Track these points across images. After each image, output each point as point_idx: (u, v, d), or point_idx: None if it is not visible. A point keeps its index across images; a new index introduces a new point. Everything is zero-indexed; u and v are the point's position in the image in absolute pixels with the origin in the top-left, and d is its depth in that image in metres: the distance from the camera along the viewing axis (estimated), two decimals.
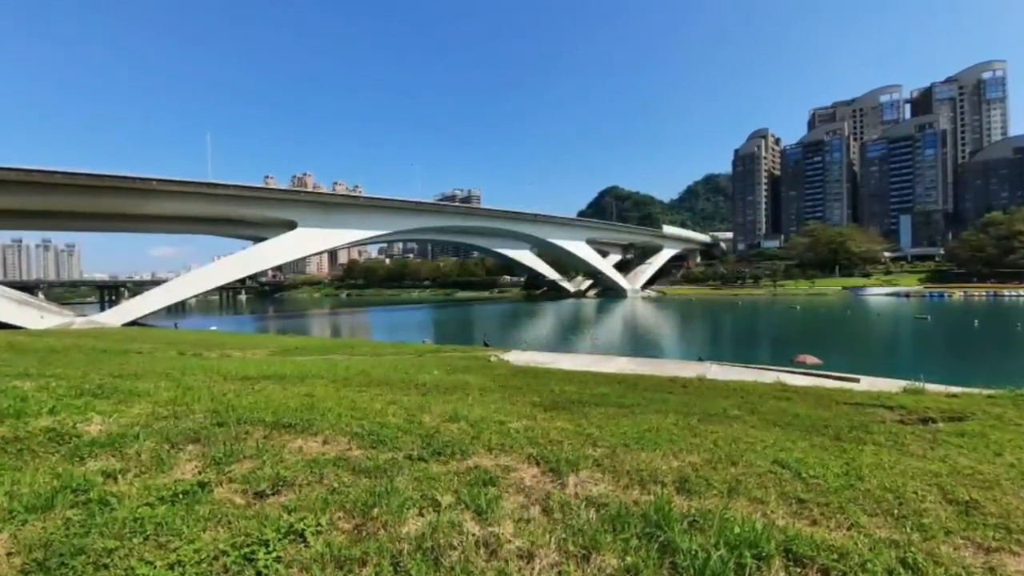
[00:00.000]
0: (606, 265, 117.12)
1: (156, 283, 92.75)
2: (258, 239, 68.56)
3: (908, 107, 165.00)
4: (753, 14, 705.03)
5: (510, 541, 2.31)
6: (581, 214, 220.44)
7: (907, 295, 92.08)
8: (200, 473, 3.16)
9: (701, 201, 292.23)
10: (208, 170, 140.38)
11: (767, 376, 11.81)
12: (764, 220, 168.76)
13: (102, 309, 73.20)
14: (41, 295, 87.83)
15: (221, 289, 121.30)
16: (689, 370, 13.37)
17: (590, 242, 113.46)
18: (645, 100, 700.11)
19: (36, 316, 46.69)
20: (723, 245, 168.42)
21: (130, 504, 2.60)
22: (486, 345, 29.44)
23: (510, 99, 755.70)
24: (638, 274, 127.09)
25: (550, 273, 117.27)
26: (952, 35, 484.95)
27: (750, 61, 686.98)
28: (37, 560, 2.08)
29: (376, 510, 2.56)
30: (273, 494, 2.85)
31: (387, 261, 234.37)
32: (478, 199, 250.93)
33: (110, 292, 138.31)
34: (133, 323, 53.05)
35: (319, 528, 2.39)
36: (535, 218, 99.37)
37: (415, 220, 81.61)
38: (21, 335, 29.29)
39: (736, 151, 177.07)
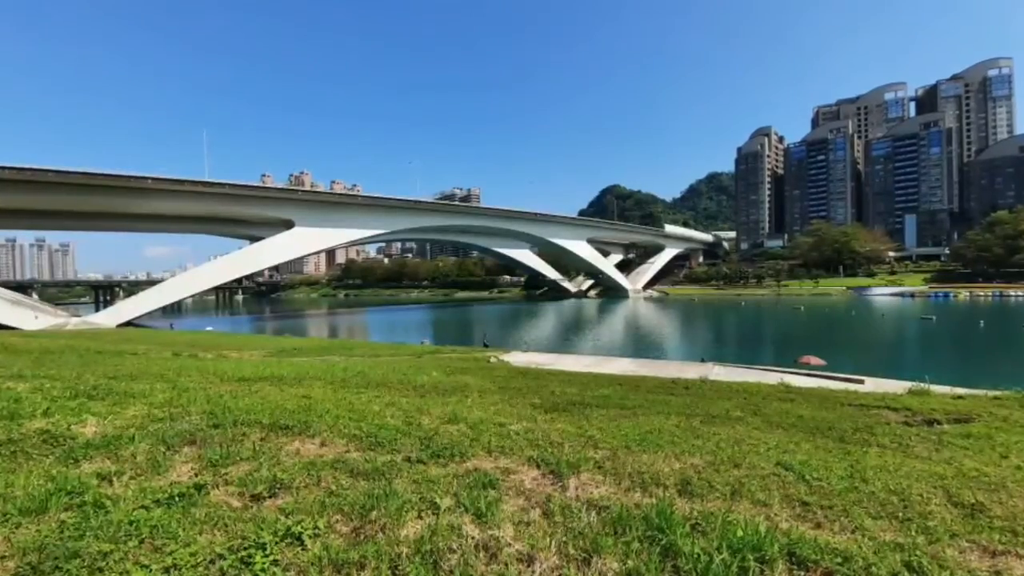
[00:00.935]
0: (607, 265, 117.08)
1: (151, 283, 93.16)
2: (255, 239, 68.73)
3: (913, 105, 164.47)
4: (755, 10, 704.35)
5: (510, 544, 2.29)
6: (582, 213, 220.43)
7: (912, 295, 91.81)
8: (196, 475, 3.14)
9: (704, 200, 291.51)
10: (205, 169, 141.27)
11: (770, 377, 11.78)
12: (767, 219, 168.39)
13: (97, 309, 73.67)
14: (35, 295, 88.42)
15: (217, 289, 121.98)
16: (691, 371, 13.35)
17: (591, 241, 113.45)
18: (647, 98, 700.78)
19: (30, 316, 47.05)
20: (726, 244, 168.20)
21: (125, 507, 2.58)
22: (485, 346, 29.47)
23: (510, 97, 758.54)
24: (640, 274, 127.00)
25: (551, 273, 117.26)
26: (958, 32, 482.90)
27: (752, 58, 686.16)
28: (31, 563, 2.05)
29: (374, 513, 2.54)
30: (270, 497, 2.83)
31: (385, 261, 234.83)
32: (477, 198, 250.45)
33: (105, 292, 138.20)
34: (128, 324, 53.28)
35: (317, 531, 2.37)
36: (535, 217, 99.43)
37: (414, 219, 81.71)
38: (15, 336, 29.43)
39: (739, 149, 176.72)
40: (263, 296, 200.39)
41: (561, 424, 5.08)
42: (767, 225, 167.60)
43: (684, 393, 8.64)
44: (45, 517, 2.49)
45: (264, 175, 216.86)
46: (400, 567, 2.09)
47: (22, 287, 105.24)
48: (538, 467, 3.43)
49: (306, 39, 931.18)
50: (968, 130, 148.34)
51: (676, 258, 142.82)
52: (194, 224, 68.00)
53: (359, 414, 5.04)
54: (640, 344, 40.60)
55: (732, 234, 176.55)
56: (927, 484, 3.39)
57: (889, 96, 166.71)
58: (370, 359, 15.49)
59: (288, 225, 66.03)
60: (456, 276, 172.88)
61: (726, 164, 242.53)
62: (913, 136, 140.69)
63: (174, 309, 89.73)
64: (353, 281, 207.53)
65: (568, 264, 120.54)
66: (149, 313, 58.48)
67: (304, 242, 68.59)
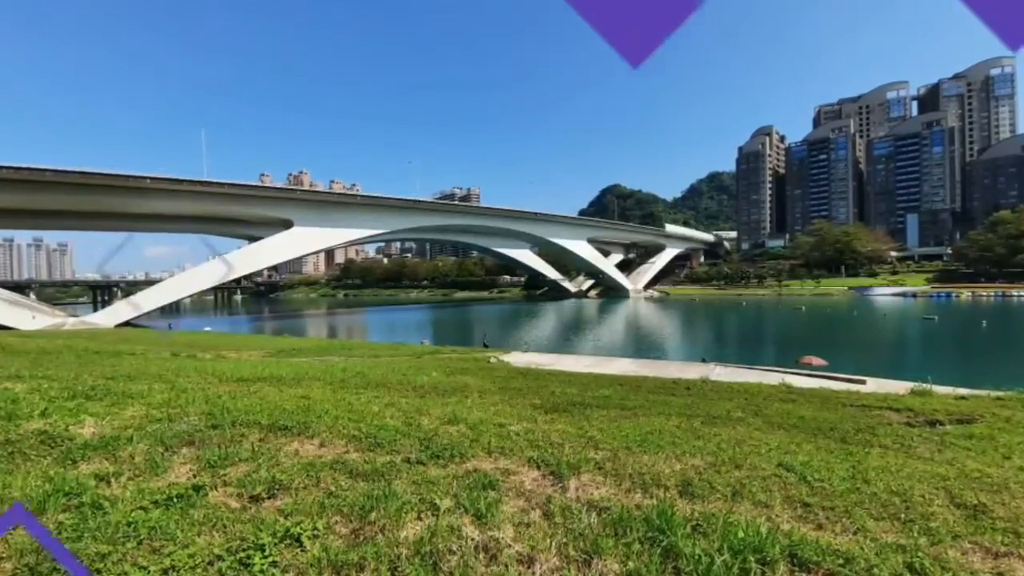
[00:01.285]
0: (608, 265, 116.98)
1: (150, 283, 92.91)
2: (254, 238, 68.63)
3: (915, 104, 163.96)
4: (755, 10, 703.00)
5: (510, 546, 2.28)
6: (582, 213, 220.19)
7: (914, 295, 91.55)
8: (195, 476, 3.13)
9: (704, 200, 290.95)
10: (203, 168, 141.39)
11: (772, 378, 11.73)
12: (769, 219, 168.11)
13: (95, 309, 73.75)
14: (32, 295, 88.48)
15: (216, 289, 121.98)
16: (692, 371, 13.33)
17: (592, 241, 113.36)
18: (647, 98, 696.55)
19: (27, 316, 47.04)
20: (727, 244, 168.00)
21: (123, 508, 2.57)
22: (485, 346, 29.47)
23: (510, 97, 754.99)
24: (640, 274, 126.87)
25: (551, 273, 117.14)
26: (959, 31, 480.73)
27: (752, 58, 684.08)
28: (29, 565, 2.05)
29: (374, 514, 2.53)
30: (269, 498, 2.82)
31: (385, 261, 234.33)
32: (477, 197, 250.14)
33: (103, 292, 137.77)
34: (126, 324, 53.26)
35: (316, 532, 2.37)
36: (536, 217, 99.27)
37: (413, 219, 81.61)
38: (12, 336, 29.47)
39: (740, 149, 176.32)
40: (262, 296, 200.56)
41: (561, 425, 5.07)
42: (768, 225, 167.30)
43: (685, 394, 8.61)
44: (43, 518, 2.48)
45: (263, 174, 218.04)
46: (400, 568, 2.08)
47: (20, 287, 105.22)
48: (538, 468, 3.42)
49: (306, 39, 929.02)
50: (970, 129, 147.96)
51: (677, 258, 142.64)
52: (192, 224, 67.96)
53: (358, 415, 5.03)
54: (641, 344, 40.52)
55: (733, 234, 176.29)
56: (929, 485, 3.38)
57: (891, 95, 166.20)
58: (369, 359, 15.49)
59: (287, 225, 65.99)
60: (456, 276, 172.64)
61: (727, 163, 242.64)
62: (915, 135, 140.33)
63: (173, 309, 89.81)
64: (352, 281, 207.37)
65: (568, 264, 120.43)
66: (147, 313, 58.40)
67: (303, 242, 68.58)
